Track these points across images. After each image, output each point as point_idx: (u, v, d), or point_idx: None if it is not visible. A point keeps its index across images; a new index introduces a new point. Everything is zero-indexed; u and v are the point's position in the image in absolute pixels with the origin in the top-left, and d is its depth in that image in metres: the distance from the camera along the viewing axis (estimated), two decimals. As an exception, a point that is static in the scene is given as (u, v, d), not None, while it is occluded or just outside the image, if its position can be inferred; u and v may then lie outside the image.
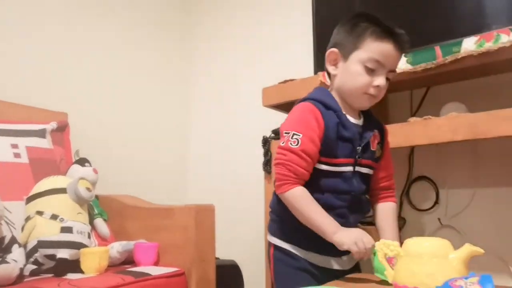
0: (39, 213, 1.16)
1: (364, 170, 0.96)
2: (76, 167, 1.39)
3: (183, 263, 1.20)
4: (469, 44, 1.14)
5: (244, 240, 1.99)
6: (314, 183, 0.90)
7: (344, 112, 0.93)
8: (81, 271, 1.12)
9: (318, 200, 0.89)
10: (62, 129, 1.53)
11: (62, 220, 1.16)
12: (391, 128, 1.29)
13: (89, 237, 1.22)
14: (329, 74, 1.00)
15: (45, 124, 1.45)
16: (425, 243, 0.72)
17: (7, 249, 1.03)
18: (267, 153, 1.55)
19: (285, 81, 1.54)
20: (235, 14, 2.22)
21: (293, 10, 1.95)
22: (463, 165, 1.42)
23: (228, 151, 2.17)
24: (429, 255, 0.69)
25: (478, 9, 1.21)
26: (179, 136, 2.30)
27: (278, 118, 1.75)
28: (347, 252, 0.96)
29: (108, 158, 1.81)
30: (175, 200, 2.08)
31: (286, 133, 0.90)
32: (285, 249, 0.95)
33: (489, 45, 1.10)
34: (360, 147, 0.93)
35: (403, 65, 1.25)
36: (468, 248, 0.67)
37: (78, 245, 1.14)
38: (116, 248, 1.24)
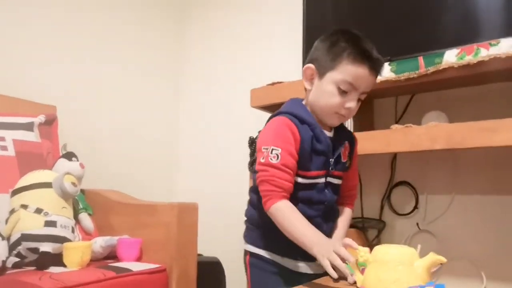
0: (24, 206, 1.17)
1: (335, 181, 1.00)
2: (63, 161, 1.40)
3: (165, 260, 1.22)
4: (451, 56, 1.17)
5: (228, 238, 2.02)
6: (290, 195, 0.93)
7: (318, 125, 0.96)
8: (64, 265, 1.13)
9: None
10: (50, 122, 1.53)
11: (46, 214, 1.18)
12: (374, 134, 1.33)
13: (73, 231, 1.24)
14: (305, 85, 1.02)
15: (33, 117, 1.45)
16: (392, 251, 0.75)
17: (-10, 242, 1.04)
18: (253, 153, 1.58)
19: (273, 83, 1.56)
20: (225, 16, 2.23)
21: (283, 12, 1.97)
22: (443, 172, 1.46)
23: (215, 150, 2.19)
24: (395, 262, 0.72)
25: (461, 23, 1.24)
26: (168, 134, 2.31)
27: (266, 119, 1.78)
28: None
29: (96, 153, 1.82)
30: (163, 197, 2.10)
31: (265, 148, 0.91)
32: (261, 255, 0.98)
33: (469, 58, 1.14)
34: (332, 160, 0.97)
35: (387, 73, 1.29)
36: (432, 257, 0.71)
37: (61, 239, 1.16)
38: (100, 243, 1.26)
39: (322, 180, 0.96)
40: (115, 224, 1.39)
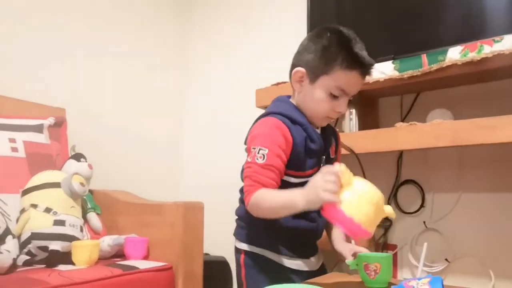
0: (34, 206, 1.20)
1: None
2: (71, 162, 1.43)
3: (171, 258, 1.24)
4: (454, 54, 1.17)
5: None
6: None
7: (309, 125, 0.94)
8: (72, 263, 1.15)
9: None
10: (60, 124, 1.56)
11: (55, 213, 1.20)
12: (379, 133, 1.33)
13: (81, 230, 1.26)
14: (291, 84, 1.00)
15: (42, 120, 1.49)
16: (369, 188, 0.78)
17: (1, 240, 1.07)
18: (258, 153, 1.59)
19: (278, 83, 1.57)
20: (229, 15, 2.25)
21: (288, 12, 1.98)
22: (449, 170, 1.46)
23: (221, 150, 2.20)
24: (371, 198, 0.76)
25: (463, 20, 1.24)
26: (173, 135, 2.33)
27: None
28: (314, 253, 1.00)
29: (103, 154, 1.85)
30: (169, 197, 2.12)
31: (253, 148, 0.89)
32: (257, 253, 0.97)
33: (473, 55, 1.14)
34: (324, 157, 0.97)
35: (391, 71, 1.29)
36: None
37: (70, 238, 1.19)
38: (107, 241, 1.28)
39: None
40: (122, 223, 1.41)
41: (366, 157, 1.36)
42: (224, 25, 2.27)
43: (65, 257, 1.16)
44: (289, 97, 1.02)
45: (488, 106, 1.32)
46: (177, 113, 2.35)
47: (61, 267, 1.11)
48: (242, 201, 1.02)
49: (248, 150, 0.93)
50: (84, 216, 1.36)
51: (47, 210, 1.20)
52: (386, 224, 1.55)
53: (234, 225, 2.04)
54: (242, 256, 0.99)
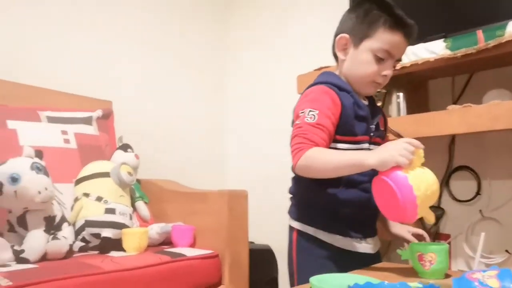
0: (86, 195, 1.25)
1: (376, 147, 0.97)
2: (119, 152, 1.47)
3: (217, 246, 1.25)
4: (515, 27, 1.07)
5: (279, 226, 2.02)
6: None
7: (355, 93, 0.96)
8: (123, 250, 1.19)
9: (342, 177, 0.89)
10: (107, 116, 1.62)
11: (106, 202, 1.25)
12: (430, 116, 1.26)
13: (130, 218, 1.30)
14: (336, 57, 1.02)
15: (91, 112, 1.54)
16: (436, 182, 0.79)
17: (58, 227, 1.12)
18: (301, 141, 1.56)
19: (320, 68, 1.53)
20: (269, 0, 2.21)
21: (330, -5, 1.91)
22: (508, 155, 1.36)
23: (263, 137, 2.19)
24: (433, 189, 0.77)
25: (525, -10, 1.13)
26: (216, 123, 2.35)
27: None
28: (371, 234, 0.97)
29: (149, 144, 1.90)
30: (213, 185, 2.15)
31: (301, 112, 0.89)
32: (309, 234, 0.95)
33: (536, 28, 1.04)
34: (373, 126, 0.96)
35: (442, 50, 1.21)
36: None
37: (120, 226, 1.23)
38: (155, 229, 1.31)
39: (366, 145, 0.95)
40: (169, 211, 1.45)
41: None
42: (264, 11, 2.24)
43: (117, 244, 1.20)
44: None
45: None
46: (219, 101, 2.37)
47: (113, 254, 1.15)
48: (294, 179, 1.01)
49: (295, 117, 0.91)
50: (132, 204, 1.40)
51: (98, 198, 1.25)
52: (438, 212, 1.48)
53: (279, 214, 2.03)
54: (295, 235, 0.99)
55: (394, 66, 0.96)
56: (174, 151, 2.08)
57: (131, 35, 1.95)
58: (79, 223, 1.21)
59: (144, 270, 1.03)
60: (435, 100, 1.51)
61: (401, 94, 1.40)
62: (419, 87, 1.50)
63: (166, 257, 1.12)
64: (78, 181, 1.30)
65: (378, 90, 1.19)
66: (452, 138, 1.48)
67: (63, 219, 1.15)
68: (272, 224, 2.05)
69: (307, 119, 0.86)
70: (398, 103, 1.40)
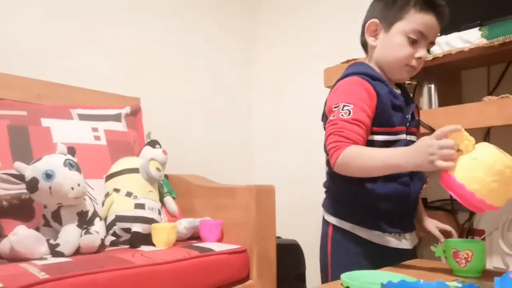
0: (116, 190, 1.28)
1: (413, 137, 0.95)
2: (147, 148, 1.49)
3: (244, 241, 1.25)
4: (557, 13, 1.02)
5: (306, 221, 2.01)
6: None
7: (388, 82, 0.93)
8: (153, 244, 1.21)
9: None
10: (135, 113, 1.64)
11: (135, 197, 1.27)
12: (463, 108, 1.21)
13: (159, 213, 1.32)
14: (364, 46, 1.01)
15: (120, 109, 1.57)
16: (501, 158, 0.68)
17: (91, 222, 1.15)
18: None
19: (347, 61, 1.50)
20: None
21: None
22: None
23: (291, 132, 2.18)
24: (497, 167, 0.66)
25: None
26: (244, 119, 2.35)
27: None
28: (409, 230, 0.94)
29: (177, 140, 1.92)
30: (240, 180, 2.16)
31: (335, 107, 0.87)
32: (345, 229, 0.93)
33: None
34: (409, 115, 0.94)
35: (477, 39, 1.16)
36: None
37: (150, 220, 1.25)
38: (183, 224, 1.33)
39: (403, 136, 0.92)
40: (197, 206, 1.46)
41: (448, 136, 1.25)
42: (291, 3, 2.22)
43: (146, 239, 1.22)
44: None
45: None
46: (246, 97, 2.37)
47: (143, 248, 1.17)
48: (329, 173, 0.99)
49: (329, 111, 0.89)
50: (161, 199, 1.42)
51: (128, 194, 1.27)
52: (472, 207, 1.43)
53: (306, 208, 2.01)
54: (330, 229, 0.96)
55: (428, 50, 0.93)
56: (201, 146, 2.10)
57: (159, 33, 1.97)
58: (110, 218, 1.24)
59: (174, 265, 1.04)
60: (469, 92, 1.45)
61: (432, 86, 1.36)
62: (451, 78, 1.45)
63: (195, 252, 1.13)
64: (109, 177, 1.33)
65: (408, 82, 1.16)
66: (488, 131, 1.42)
67: (95, 214, 1.18)
68: (299, 219, 2.04)
69: (342, 115, 0.84)
70: (430, 95, 1.36)
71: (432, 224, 1.01)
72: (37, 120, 1.32)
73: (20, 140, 1.25)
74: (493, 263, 1.39)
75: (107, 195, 1.29)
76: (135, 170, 1.33)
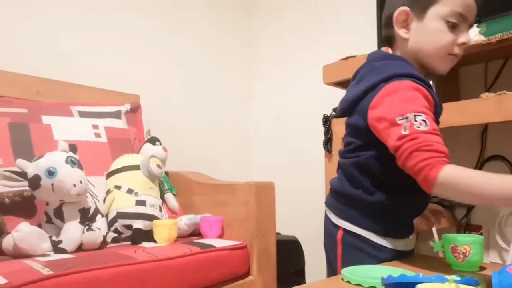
0: (117, 187, 1.29)
1: None
2: (147, 145, 1.50)
3: (245, 237, 1.26)
4: (555, 10, 1.03)
5: (305, 217, 2.03)
6: None
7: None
8: (154, 241, 1.22)
9: (407, 180, 0.78)
10: (135, 110, 1.65)
11: (136, 194, 1.28)
12: (461, 105, 1.22)
13: (160, 210, 1.33)
14: (389, 39, 0.90)
15: (120, 106, 1.58)
16: None
17: (92, 218, 1.16)
18: (327, 132, 1.55)
19: (346, 58, 1.50)
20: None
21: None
22: (545, 144, 1.31)
23: (290, 129, 2.19)
24: None
25: None
26: (242, 116, 2.36)
27: (339, 96, 1.73)
28: (413, 231, 0.93)
29: (176, 137, 1.93)
30: (240, 177, 2.17)
31: (403, 118, 0.73)
32: (357, 234, 0.87)
33: None
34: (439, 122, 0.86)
35: (475, 36, 1.17)
36: None
37: (151, 217, 1.26)
38: (184, 221, 1.34)
39: None
40: (197, 203, 1.47)
41: (445, 132, 1.25)
42: (289, 1, 2.22)
43: (147, 235, 1.23)
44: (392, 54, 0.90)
45: None
46: (245, 94, 2.38)
47: (145, 244, 1.18)
48: (348, 176, 0.89)
49: (391, 125, 0.75)
50: (161, 196, 1.43)
51: (129, 191, 1.28)
52: (468, 204, 1.44)
53: (305, 205, 2.01)
54: (340, 233, 0.89)
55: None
56: (199, 143, 2.11)
57: (158, 30, 1.97)
58: (111, 215, 1.25)
59: (176, 261, 1.05)
60: (467, 88, 1.47)
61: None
62: (449, 75, 1.44)
63: (196, 248, 1.14)
64: (110, 174, 1.33)
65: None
66: (485, 127, 1.44)
67: (97, 211, 1.19)
68: (298, 215, 2.06)
69: (418, 127, 0.71)
70: (428, 92, 1.37)
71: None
72: (37, 118, 1.33)
73: (21, 138, 1.26)
74: (490, 258, 1.41)
75: (108, 192, 1.30)
76: (135, 167, 1.34)
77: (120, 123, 1.53)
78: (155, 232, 1.22)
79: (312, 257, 1.79)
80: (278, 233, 1.81)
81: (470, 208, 1.45)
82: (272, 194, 1.33)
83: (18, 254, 0.97)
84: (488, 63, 1.42)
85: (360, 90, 0.84)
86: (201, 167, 1.71)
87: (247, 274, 1.25)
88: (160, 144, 1.51)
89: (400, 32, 0.85)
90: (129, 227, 1.23)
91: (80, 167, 1.13)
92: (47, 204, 1.11)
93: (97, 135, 1.42)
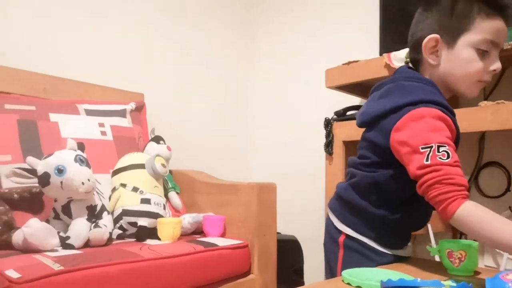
0: (123, 185, 1.31)
1: None
2: (152, 144, 1.53)
3: (246, 236, 1.30)
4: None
5: (305, 217, 2.06)
6: None
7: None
8: (158, 238, 1.25)
9: (415, 196, 0.79)
10: (140, 109, 1.67)
11: (141, 192, 1.31)
12: (460, 112, 1.25)
13: (164, 208, 1.36)
14: (416, 62, 0.91)
15: (125, 105, 1.60)
16: None
17: (99, 216, 1.19)
18: (329, 135, 1.58)
19: (349, 63, 1.53)
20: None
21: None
22: (540, 152, 1.34)
23: (291, 131, 2.22)
24: None
25: None
26: (243, 117, 2.39)
27: (341, 100, 1.76)
28: (410, 238, 0.96)
29: (179, 136, 1.95)
30: (239, 175, 2.20)
31: (426, 147, 0.74)
32: (360, 240, 0.89)
33: None
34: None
35: (476, 47, 1.20)
36: None
37: (155, 215, 1.29)
38: (187, 219, 1.36)
39: None
40: (200, 202, 1.50)
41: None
42: (292, 2, 2.24)
43: (152, 233, 1.26)
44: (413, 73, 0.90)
45: None
46: (246, 95, 2.41)
47: (149, 242, 1.21)
48: (356, 188, 0.91)
49: (414, 151, 0.76)
50: (165, 195, 1.45)
51: (135, 189, 1.31)
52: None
53: (305, 205, 2.04)
54: (343, 237, 0.91)
55: None
56: (201, 142, 2.14)
57: (162, 30, 1.99)
58: (117, 212, 1.28)
59: (180, 259, 1.08)
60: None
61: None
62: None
63: (199, 247, 1.17)
64: (115, 172, 1.36)
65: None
66: (482, 134, 1.47)
67: (103, 208, 1.22)
68: (298, 215, 2.09)
69: (441, 158, 0.73)
70: (428, 99, 1.39)
71: None
72: (45, 115, 1.35)
73: (30, 135, 1.28)
74: (485, 262, 1.45)
75: (114, 189, 1.33)
76: (141, 166, 1.36)
77: (125, 122, 1.56)
78: (159, 229, 1.25)
79: (311, 257, 1.82)
80: (278, 233, 1.85)
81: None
82: (273, 195, 1.36)
83: (28, 249, 0.99)
84: (487, 71, 1.45)
85: (385, 108, 0.84)
86: (202, 167, 1.74)
87: (248, 272, 1.28)
88: (164, 143, 1.54)
89: (430, 59, 0.86)
90: (134, 224, 1.26)
91: (88, 166, 1.15)
92: (55, 200, 1.14)
93: (103, 133, 1.45)
